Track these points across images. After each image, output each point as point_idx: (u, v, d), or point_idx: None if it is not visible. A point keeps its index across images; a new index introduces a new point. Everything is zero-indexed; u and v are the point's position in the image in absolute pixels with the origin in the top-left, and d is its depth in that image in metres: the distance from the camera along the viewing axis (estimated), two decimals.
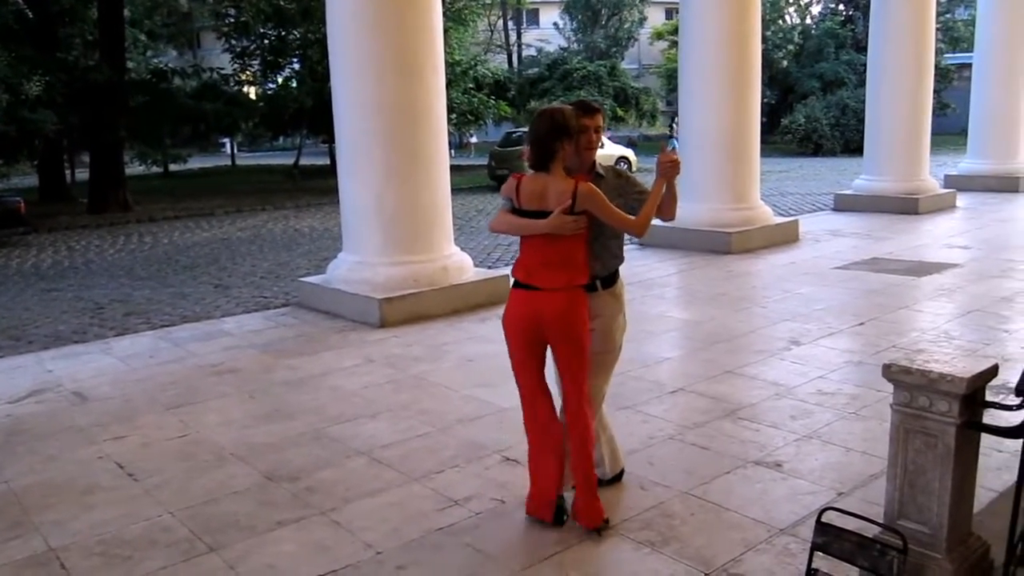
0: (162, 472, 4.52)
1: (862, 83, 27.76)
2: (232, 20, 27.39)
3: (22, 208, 15.53)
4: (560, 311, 3.55)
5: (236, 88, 27.58)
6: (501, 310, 7.24)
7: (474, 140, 40.31)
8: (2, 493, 4.34)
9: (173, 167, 32.33)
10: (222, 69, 26.11)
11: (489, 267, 10.34)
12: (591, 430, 3.67)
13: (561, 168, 3.58)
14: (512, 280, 3.69)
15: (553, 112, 3.62)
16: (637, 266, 9.94)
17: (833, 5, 40.19)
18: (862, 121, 14.99)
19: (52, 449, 4.92)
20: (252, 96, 29.72)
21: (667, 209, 3.79)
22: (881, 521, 2.81)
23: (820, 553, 2.82)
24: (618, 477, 4.08)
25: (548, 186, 3.54)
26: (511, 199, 3.63)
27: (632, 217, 3.67)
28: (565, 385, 3.68)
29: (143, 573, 3.49)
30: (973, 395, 2.59)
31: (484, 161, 28.25)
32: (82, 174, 26.21)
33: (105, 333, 8.07)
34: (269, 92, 29.59)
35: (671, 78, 37.89)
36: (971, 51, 19.56)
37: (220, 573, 3.47)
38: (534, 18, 53.61)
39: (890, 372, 2.67)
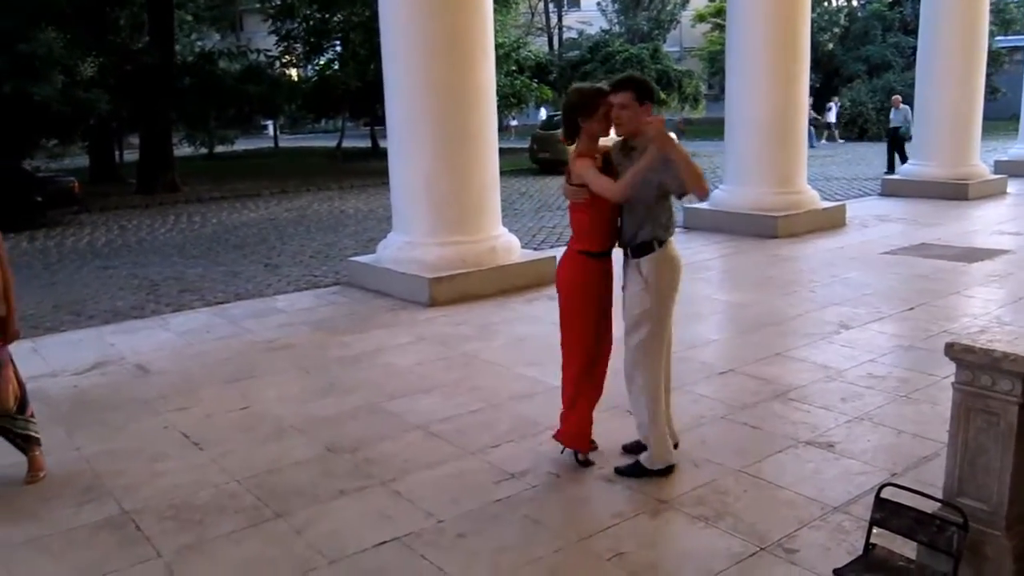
0: (226, 442, 4.67)
1: (909, 66, 27.27)
2: (278, 2, 27.58)
3: (77, 188, 15.86)
4: (558, 270, 4.15)
5: (279, 70, 27.83)
6: (548, 291, 7.31)
7: (515, 123, 40.28)
8: (74, 459, 4.52)
9: (218, 149, 32.75)
10: (267, 51, 26.36)
11: (535, 249, 10.40)
12: (567, 380, 4.16)
13: (588, 141, 3.95)
14: (582, 250, 4.10)
15: (572, 91, 4.07)
16: (682, 249, 9.79)
17: None
18: (909, 105, 14.79)
19: (119, 419, 5.11)
20: (295, 79, 29.97)
21: (689, 182, 3.82)
22: (940, 498, 2.85)
23: (878, 528, 2.87)
24: (664, 472, 4.03)
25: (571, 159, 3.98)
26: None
27: (616, 183, 3.84)
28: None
29: (214, 536, 3.64)
30: None
31: (525, 144, 28.26)
32: (130, 155, 26.67)
33: (162, 309, 8.27)
34: (312, 74, 29.83)
35: (713, 61, 37.51)
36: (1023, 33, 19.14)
37: (287, 538, 3.60)
38: (575, 0, 53.28)
39: (953, 351, 2.71)
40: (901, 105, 19.76)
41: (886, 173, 18.45)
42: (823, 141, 29.23)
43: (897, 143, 19.24)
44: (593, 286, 4.05)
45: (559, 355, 4.09)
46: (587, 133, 3.91)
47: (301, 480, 4.15)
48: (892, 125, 19.59)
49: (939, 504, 2.82)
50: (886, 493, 2.84)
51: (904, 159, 18.95)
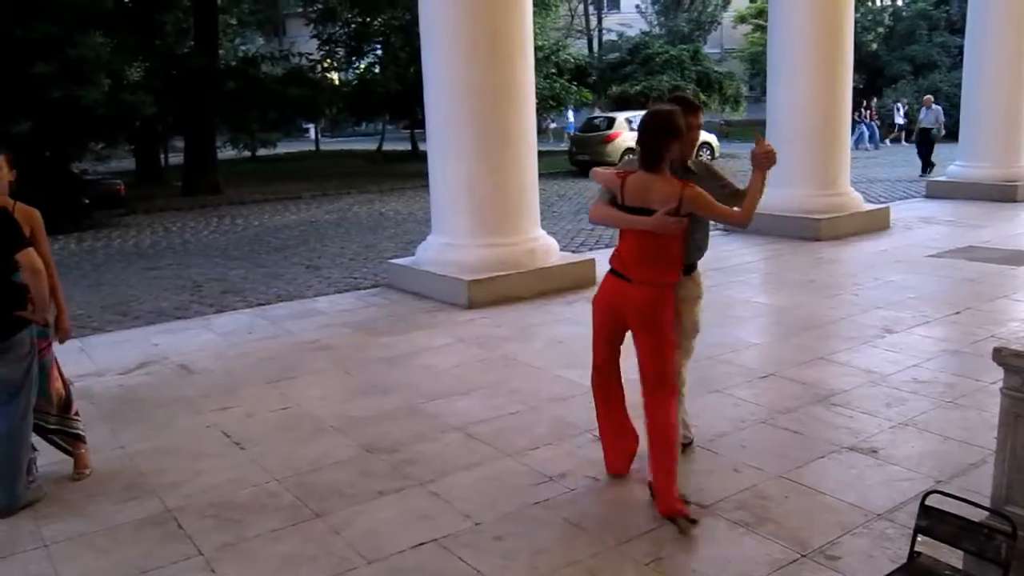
0: (266, 441, 4.72)
1: (955, 66, 26.75)
2: (320, 6, 27.88)
3: (122, 191, 16.15)
4: (646, 304, 3.68)
5: (321, 74, 28.12)
6: (587, 294, 7.29)
7: (553, 125, 40.27)
8: (119, 457, 4.60)
9: (260, 152, 33.15)
10: (310, 55, 26.64)
11: (573, 251, 10.38)
12: (672, 419, 3.72)
13: (667, 168, 3.64)
14: (610, 267, 3.81)
15: (663, 114, 3.66)
16: (724, 251, 9.87)
17: None
18: (955, 106, 14.53)
19: (162, 417, 5.19)
20: (336, 82, 30.26)
21: (750, 215, 3.82)
22: (987, 506, 2.79)
23: (923, 536, 2.81)
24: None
25: (653, 185, 3.61)
26: (615, 193, 3.70)
27: (736, 210, 3.76)
28: (647, 373, 3.75)
29: (254, 535, 3.67)
30: None
31: (562, 147, 28.23)
32: (175, 158, 27.10)
33: (205, 310, 8.39)
34: (353, 78, 30.09)
35: (754, 62, 37.14)
36: None
37: (326, 538, 3.62)
38: (615, 2, 53.05)
39: (1001, 356, 2.65)
40: (933, 105, 19.40)
41: (921, 175, 18.15)
42: (887, 143, 28.52)
43: (928, 144, 18.91)
44: None
45: (588, 358, 3.96)
46: (669, 158, 3.66)
47: (340, 480, 4.18)
48: (922, 126, 19.25)
49: (986, 512, 2.75)
50: (932, 500, 2.78)
51: (929, 162, 18.66)
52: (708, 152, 24.73)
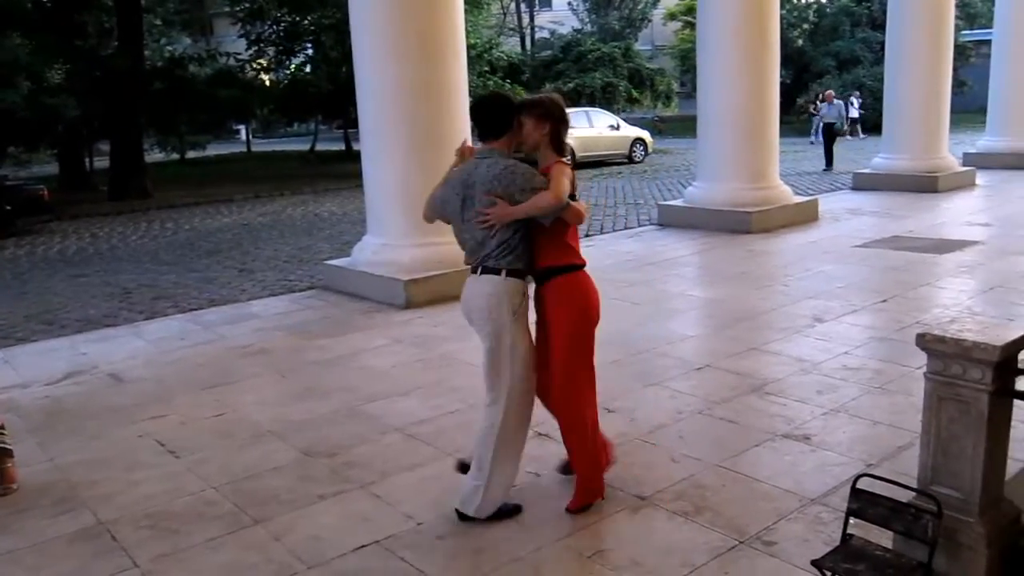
0: (202, 449, 4.63)
1: (878, 61, 27.45)
2: (247, 5, 27.39)
3: (46, 195, 15.65)
4: (574, 296, 3.65)
5: (252, 74, 27.65)
6: None
7: None
8: (48, 470, 4.47)
9: (190, 154, 32.47)
10: (238, 55, 26.17)
11: None
12: (589, 429, 3.74)
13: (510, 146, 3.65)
14: (575, 264, 3.63)
15: (558, 102, 3.68)
16: (657, 246, 10.02)
17: None
18: (878, 100, 14.91)
19: (93, 429, 5.05)
20: (267, 82, 29.79)
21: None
22: (915, 487, 2.88)
23: (855, 519, 2.89)
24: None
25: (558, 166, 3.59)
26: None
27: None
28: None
29: (192, 544, 3.60)
30: (1006, 363, 2.65)
31: None
32: (100, 162, 26.35)
33: (135, 317, 8.18)
34: (284, 78, 29.65)
35: (685, 59, 37.67)
36: (989, 27, 19.44)
37: (267, 544, 3.57)
38: (547, 0, 53.32)
39: (924, 341, 2.73)
40: (835, 100, 19.81)
41: (825, 170, 18.59)
42: (848, 137, 28.77)
43: (831, 139, 19.32)
44: None
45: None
46: (514, 140, 3.61)
47: (279, 486, 4.12)
48: (826, 121, 19.63)
49: (914, 493, 2.84)
50: (862, 483, 2.86)
51: (829, 157, 19.15)
52: (642, 148, 25.04)
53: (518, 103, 3.63)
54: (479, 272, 3.56)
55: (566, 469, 3.92)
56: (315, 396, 5.42)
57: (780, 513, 3.58)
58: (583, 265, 3.65)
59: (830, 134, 19.37)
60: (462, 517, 3.64)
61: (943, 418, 2.76)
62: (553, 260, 3.58)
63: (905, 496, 2.85)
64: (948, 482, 2.78)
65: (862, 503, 2.84)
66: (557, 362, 3.57)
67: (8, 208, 14.77)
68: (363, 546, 3.50)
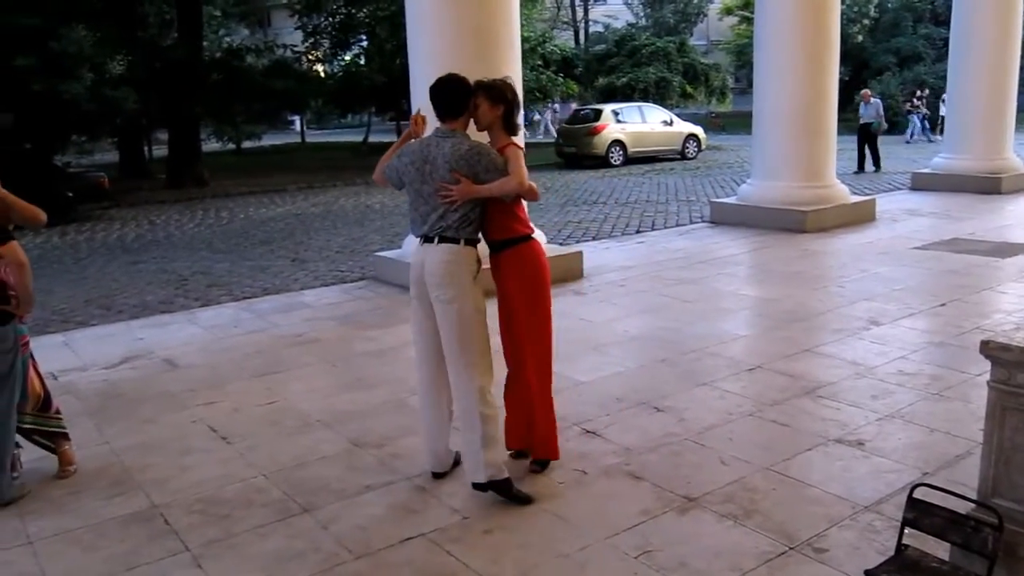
0: (253, 436, 4.70)
1: (940, 58, 26.83)
2: None
3: (105, 183, 16.02)
4: (533, 257, 3.98)
5: (307, 66, 27.95)
6: (573, 287, 7.29)
7: (537, 118, 40.23)
8: (104, 453, 4.57)
9: (245, 144, 32.96)
10: (294, 47, 26.47)
11: (561, 243, 10.37)
12: (545, 378, 4.11)
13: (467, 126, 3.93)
14: (526, 234, 3.94)
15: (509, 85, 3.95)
16: (709, 244, 9.90)
17: None
18: (940, 98, 14.57)
19: (148, 413, 5.15)
20: (321, 74, 30.10)
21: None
22: (974, 498, 2.80)
23: (910, 529, 2.82)
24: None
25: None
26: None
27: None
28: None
29: (242, 530, 3.65)
30: None
31: (550, 139, 28.22)
32: (159, 151, 26.92)
33: (190, 304, 8.34)
34: (339, 70, 29.92)
35: (740, 54, 37.20)
36: None
37: (314, 533, 3.61)
38: None
39: (988, 348, 2.66)
40: (871, 99, 19.02)
41: (856, 172, 18.01)
42: (939, 135, 27.91)
43: (868, 139, 18.60)
44: None
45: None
46: (470, 120, 3.87)
47: (327, 475, 4.16)
48: (863, 121, 18.79)
49: (973, 504, 2.77)
50: (919, 493, 2.79)
51: (876, 158, 18.54)
52: (695, 144, 24.78)
53: (474, 85, 3.84)
54: (436, 241, 3.75)
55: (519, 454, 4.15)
56: (363, 387, 5.46)
57: (831, 520, 3.51)
58: (532, 233, 3.99)
59: (868, 135, 18.68)
60: (481, 487, 3.76)
61: (1007, 429, 2.68)
62: (508, 232, 3.88)
63: (963, 508, 2.77)
64: (1010, 495, 2.69)
65: (919, 512, 2.77)
66: (522, 325, 3.91)
67: (69, 195, 15.14)
68: (409, 538, 3.51)
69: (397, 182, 3.92)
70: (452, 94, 3.80)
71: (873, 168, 18.48)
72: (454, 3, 7.58)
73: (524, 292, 3.89)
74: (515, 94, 3.93)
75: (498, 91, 3.84)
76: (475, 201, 3.74)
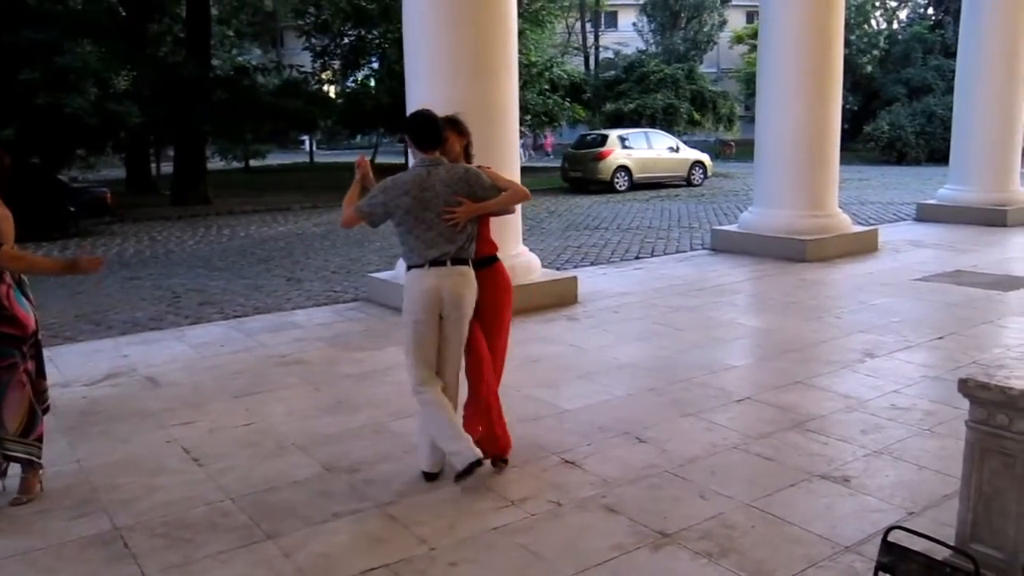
0: (226, 458, 4.60)
1: (950, 90, 26.83)
2: (312, 19, 27.89)
3: (109, 198, 16.06)
4: (498, 279, 4.40)
5: (316, 86, 28.09)
6: (567, 312, 7.21)
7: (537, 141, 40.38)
8: (74, 472, 4.48)
9: (253, 163, 33.11)
10: (302, 67, 26.62)
11: (558, 268, 10.29)
12: (494, 386, 4.38)
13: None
14: (496, 254, 4.35)
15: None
16: (708, 271, 9.80)
17: (922, 9, 39.01)
18: (949, 129, 14.49)
19: (123, 432, 5.06)
20: (331, 95, 30.25)
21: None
22: (952, 543, 2.68)
23: (884, 574, 2.70)
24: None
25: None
26: None
27: None
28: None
29: (202, 556, 3.55)
30: None
31: (557, 163, 28.21)
32: (167, 167, 27.02)
33: (180, 321, 8.27)
34: (348, 90, 30.09)
35: (750, 82, 37.23)
36: None
37: (276, 561, 3.50)
38: (612, 20, 53.36)
39: (967, 387, 2.55)
40: None
41: None
42: None
43: None
44: None
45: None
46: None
47: (296, 500, 4.05)
48: None
49: (950, 550, 2.65)
50: (894, 536, 2.67)
51: None
52: (701, 171, 24.75)
53: (443, 120, 4.18)
54: (449, 264, 4.02)
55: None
56: (345, 410, 5.36)
57: (810, 560, 3.39)
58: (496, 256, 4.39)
59: None
60: (478, 463, 3.99)
61: (985, 471, 2.57)
62: (489, 249, 4.29)
63: (941, 553, 2.65)
64: (988, 540, 2.58)
65: (893, 557, 2.66)
66: (502, 338, 4.35)
67: (72, 209, 15.18)
68: (372, 569, 3.40)
69: (380, 218, 4.12)
70: (433, 125, 4.09)
71: None
72: (451, 26, 7.55)
73: (497, 305, 4.29)
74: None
75: (463, 125, 4.29)
76: (474, 220, 4.08)
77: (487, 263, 4.25)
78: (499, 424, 4.29)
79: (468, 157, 4.33)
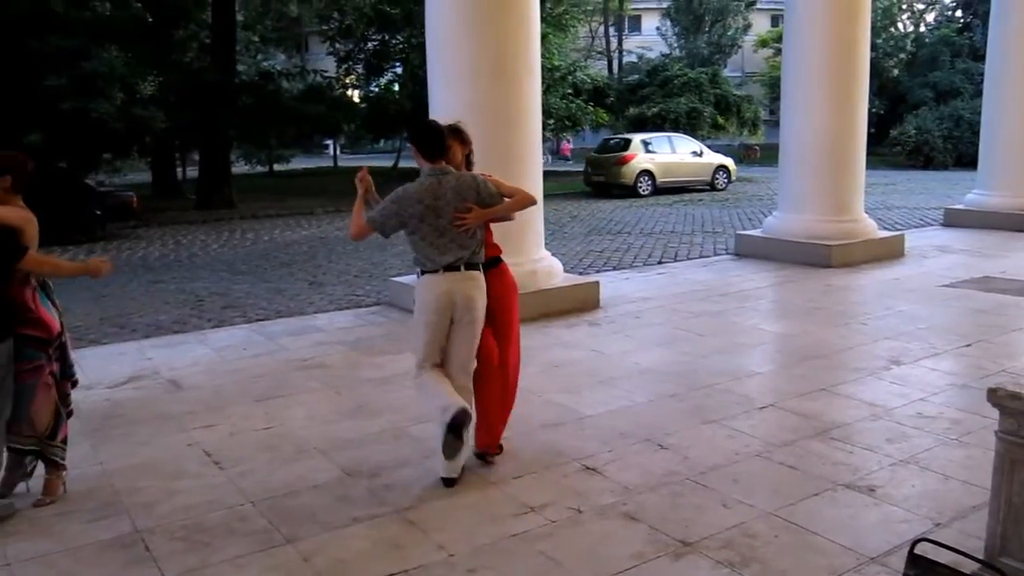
0: (246, 462, 4.60)
1: (979, 93, 26.50)
2: (336, 24, 28.04)
3: (135, 202, 16.22)
4: (506, 279, 4.59)
5: (340, 91, 28.23)
6: (589, 317, 7.20)
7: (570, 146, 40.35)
8: (96, 474, 4.50)
9: (277, 167, 33.32)
10: (326, 72, 26.76)
11: (580, 273, 10.25)
12: (513, 387, 4.72)
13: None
14: (497, 258, 4.49)
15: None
16: (731, 277, 9.72)
17: (950, 12, 38.62)
18: (977, 133, 14.31)
19: (145, 435, 5.08)
20: (355, 99, 30.39)
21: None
22: (980, 556, 2.62)
23: None
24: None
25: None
26: None
27: None
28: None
29: (220, 560, 3.55)
30: None
31: (581, 167, 28.17)
32: (192, 172, 27.26)
33: (203, 324, 8.32)
34: (371, 95, 30.21)
35: (774, 86, 37.03)
36: None
37: (294, 565, 3.49)
38: (636, 24, 53.24)
39: (996, 397, 2.49)
40: None
41: None
42: None
43: None
44: None
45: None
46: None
47: (315, 504, 4.05)
48: None
49: (978, 564, 2.59)
50: (920, 548, 2.62)
51: None
52: (725, 175, 24.62)
53: (446, 129, 4.29)
54: (463, 269, 4.16)
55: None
56: (365, 414, 5.35)
57: (834, 571, 3.33)
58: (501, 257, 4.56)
59: None
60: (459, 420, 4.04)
61: (1015, 483, 2.51)
62: (494, 251, 4.46)
63: (969, 566, 2.60)
64: (1018, 554, 2.52)
65: (920, 570, 2.60)
66: (514, 335, 4.56)
67: (98, 213, 15.33)
68: (391, 574, 3.38)
69: (393, 228, 4.27)
70: (439, 135, 4.22)
71: None
72: (474, 29, 7.54)
73: (506, 302, 4.47)
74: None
75: (465, 134, 4.42)
76: (481, 226, 4.23)
77: (493, 264, 4.42)
78: (503, 422, 4.53)
79: (469, 165, 4.46)
